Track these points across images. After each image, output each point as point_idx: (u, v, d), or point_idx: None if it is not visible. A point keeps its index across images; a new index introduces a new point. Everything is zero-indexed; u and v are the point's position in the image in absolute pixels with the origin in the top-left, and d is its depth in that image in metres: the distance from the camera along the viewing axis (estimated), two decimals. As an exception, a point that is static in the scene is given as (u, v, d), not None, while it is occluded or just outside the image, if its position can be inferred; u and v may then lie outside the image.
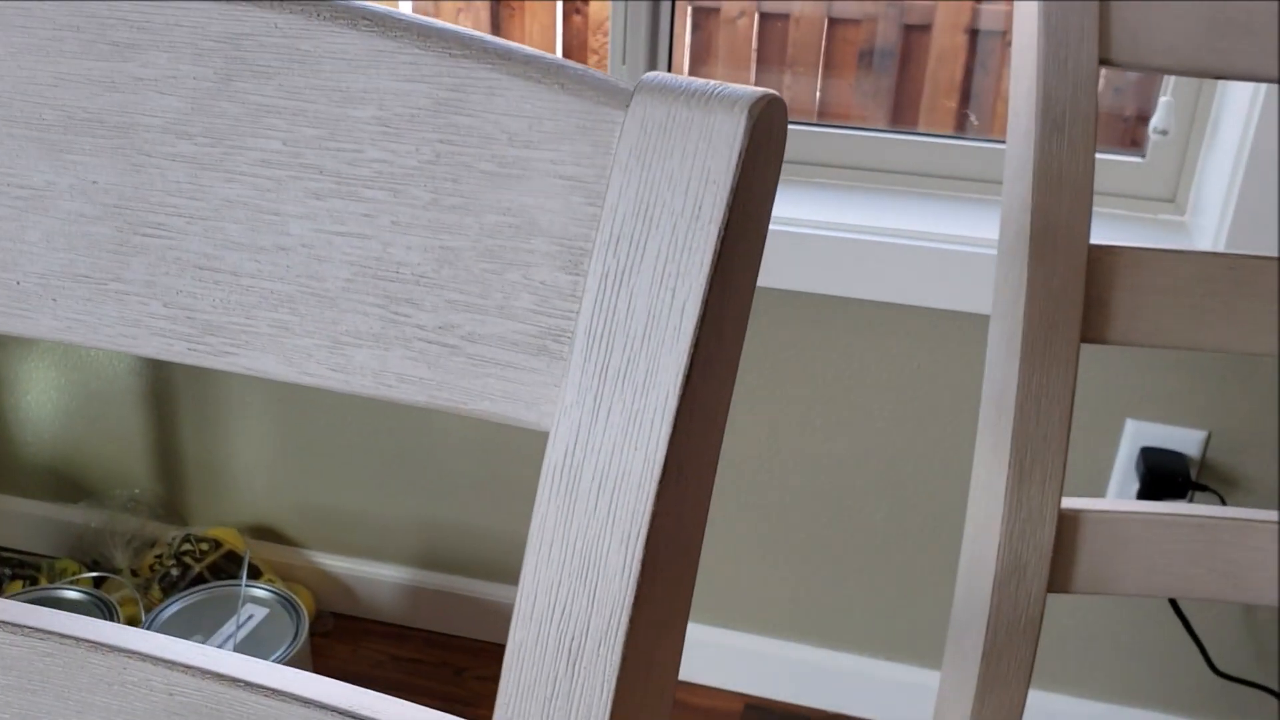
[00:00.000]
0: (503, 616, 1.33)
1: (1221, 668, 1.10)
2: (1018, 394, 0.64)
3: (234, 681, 0.35)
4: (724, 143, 0.27)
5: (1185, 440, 1.05)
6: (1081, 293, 0.64)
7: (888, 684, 1.23)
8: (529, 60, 0.29)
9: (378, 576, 1.35)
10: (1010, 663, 0.70)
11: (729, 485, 1.19)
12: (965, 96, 1.22)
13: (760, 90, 0.27)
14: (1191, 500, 1.05)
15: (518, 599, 0.30)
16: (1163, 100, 1.00)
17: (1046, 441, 0.65)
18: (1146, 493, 1.05)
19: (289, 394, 1.28)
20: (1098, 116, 0.63)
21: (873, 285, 1.04)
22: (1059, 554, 0.68)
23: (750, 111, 0.27)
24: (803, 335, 1.10)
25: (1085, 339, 0.65)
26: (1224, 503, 1.05)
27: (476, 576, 1.33)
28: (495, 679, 1.30)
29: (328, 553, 1.36)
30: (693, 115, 0.27)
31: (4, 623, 0.37)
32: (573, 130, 0.29)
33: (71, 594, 1.15)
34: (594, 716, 0.29)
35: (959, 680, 0.72)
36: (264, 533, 1.36)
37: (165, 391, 1.32)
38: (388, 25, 0.30)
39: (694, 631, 1.28)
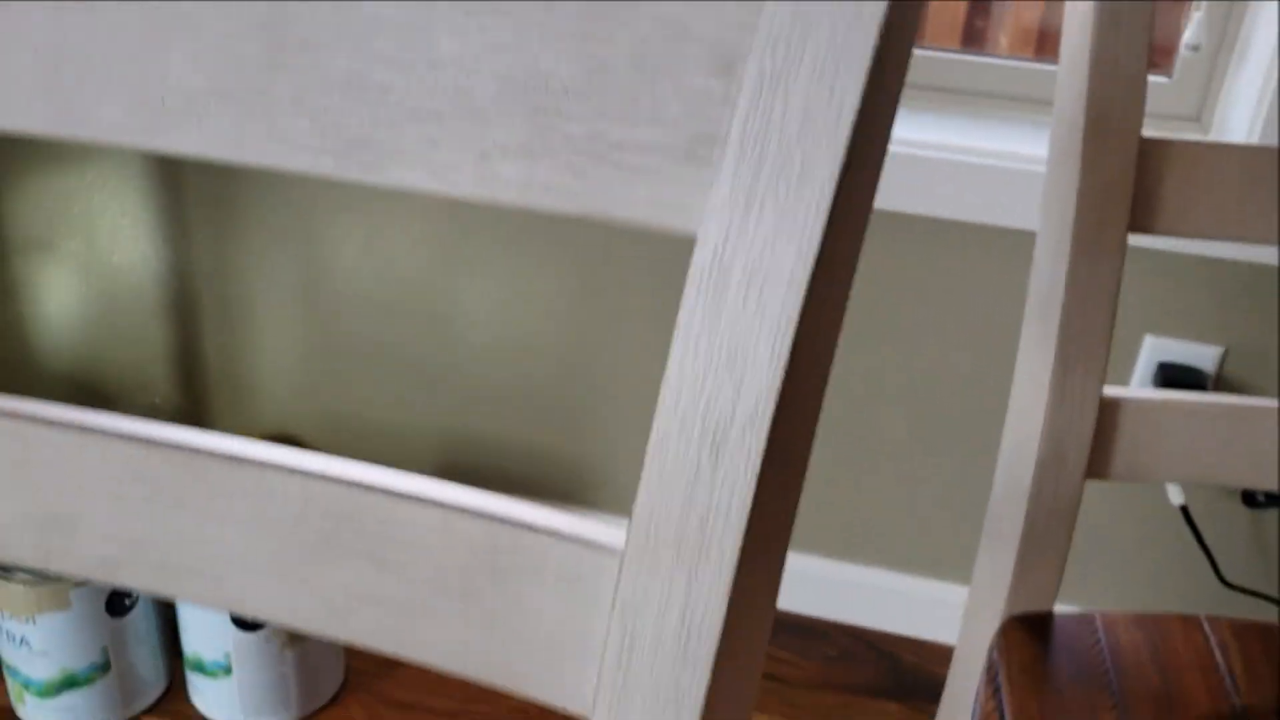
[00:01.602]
0: (522, 528, 1.35)
1: (1229, 578, 1.14)
2: (1067, 281, 0.66)
3: (371, 488, 0.37)
4: (885, -55, 0.28)
5: (1202, 356, 1.08)
6: (1132, 183, 0.66)
7: (901, 596, 1.26)
8: (685, -126, 0.30)
9: (399, 488, 1.36)
10: (1048, 546, 0.72)
11: (751, 398, 1.21)
12: (975, 8, 1.22)
13: (919, -103, 0.28)
14: (1206, 414, 1.08)
15: (661, 394, 0.32)
16: (1196, 15, 1.01)
17: (1092, 329, 0.67)
18: (1163, 407, 1.07)
19: (312, 301, 1.29)
20: (1154, 9, 0.64)
21: (911, 199, 1.06)
22: (1098, 441, 0.70)
23: (912, -85, 0.28)
24: (830, 249, 1.11)
25: (1133, 229, 0.67)
26: (1238, 417, 1.08)
27: (496, 489, 1.35)
28: (515, 587, 1.32)
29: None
30: (853, -80, 0.28)
31: (147, 440, 0.38)
32: (728, -59, 0.30)
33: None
34: (736, 499, 0.31)
35: (996, 564, 0.74)
36: (285, 442, 1.37)
37: (187, 299, 1.33)
38: None
39: (711, 543, 1.30)
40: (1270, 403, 0.71)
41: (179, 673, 1.19)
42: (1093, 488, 1.15)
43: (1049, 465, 0.70)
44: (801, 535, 1.27)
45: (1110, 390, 0.70)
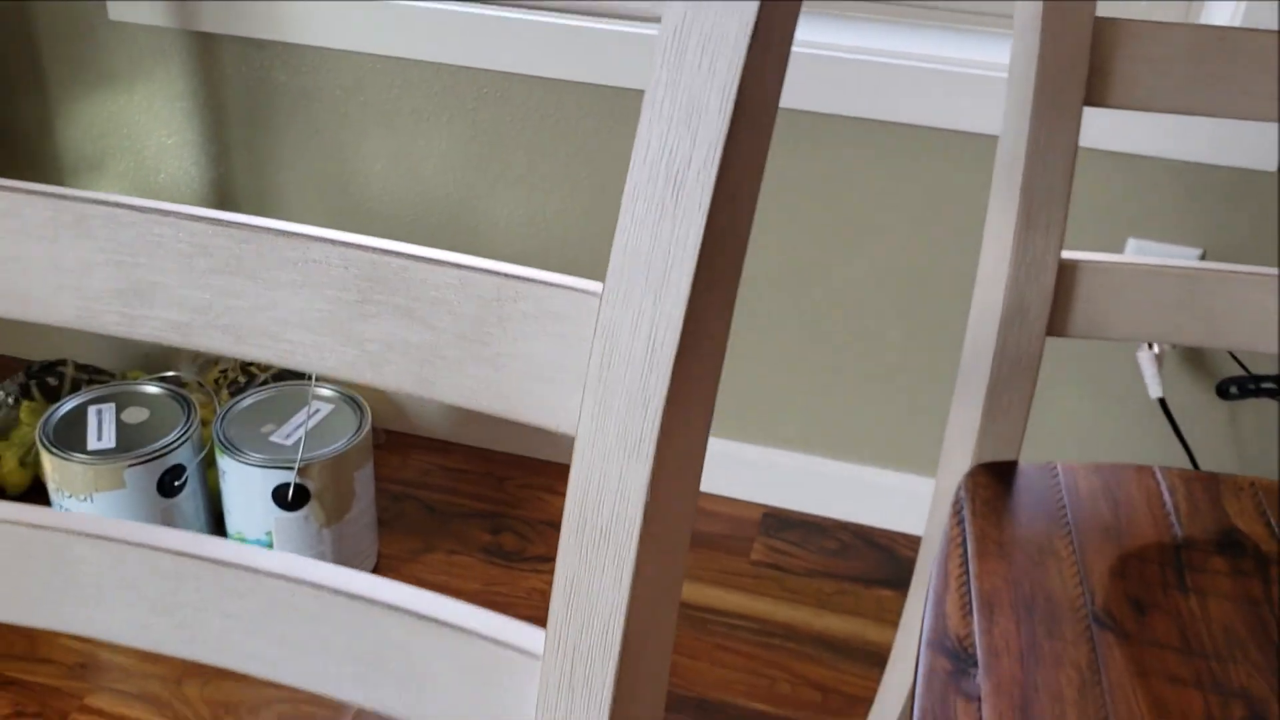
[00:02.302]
0: (537, 433, 1.43)
1: (1206, 469, 1.20)
2: (1028, 149, 0.73)
3: (400, 254, 0.44)
4: None
5: (1182, 257, 1.14)
6: (1087, 59, 0.72)
7: (898, 493, 1.34)
8: None
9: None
10: (1012, 397, 0.79)
11: (747, 302, 1.28)
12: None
13: None
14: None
15: (633, 156, 0.39)
16: (1174, -71, 1.07)
17: (1051, 192, 0.74)
18: (1143, 305, 1.14)
19: (343, 206, 1.37)
20: (1108, -104, 0.70)
21: (891, 107, 1.12)
22: (1058, 299, 0.77)
23: None
24: (824, 156, 1.18)
25: (1089, 102, 0.73)
26: (1214, 314, 1.14)
27: (518, 396, 1.43)
28: (534, 486, 1.41)
29: (379, 372, 1.46)
30: None
31: (205, 219, 0.46)
32: None
33: (151, 388, 1.25)
34: (692, 229, 0.38)
35: (965, 417, 0.81)
36: (320, 353, 1.46)
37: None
38: None
39: (716, 445, 1.38)
40: (1220, 266, 0.77)
41: (223, 555, 1.28)
42: (1074, 384, 1.22)
43: (1012, 320, 0.77)
44: (800, 436, 1.35)
45: (1069, 253, 0.77)
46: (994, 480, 0.79)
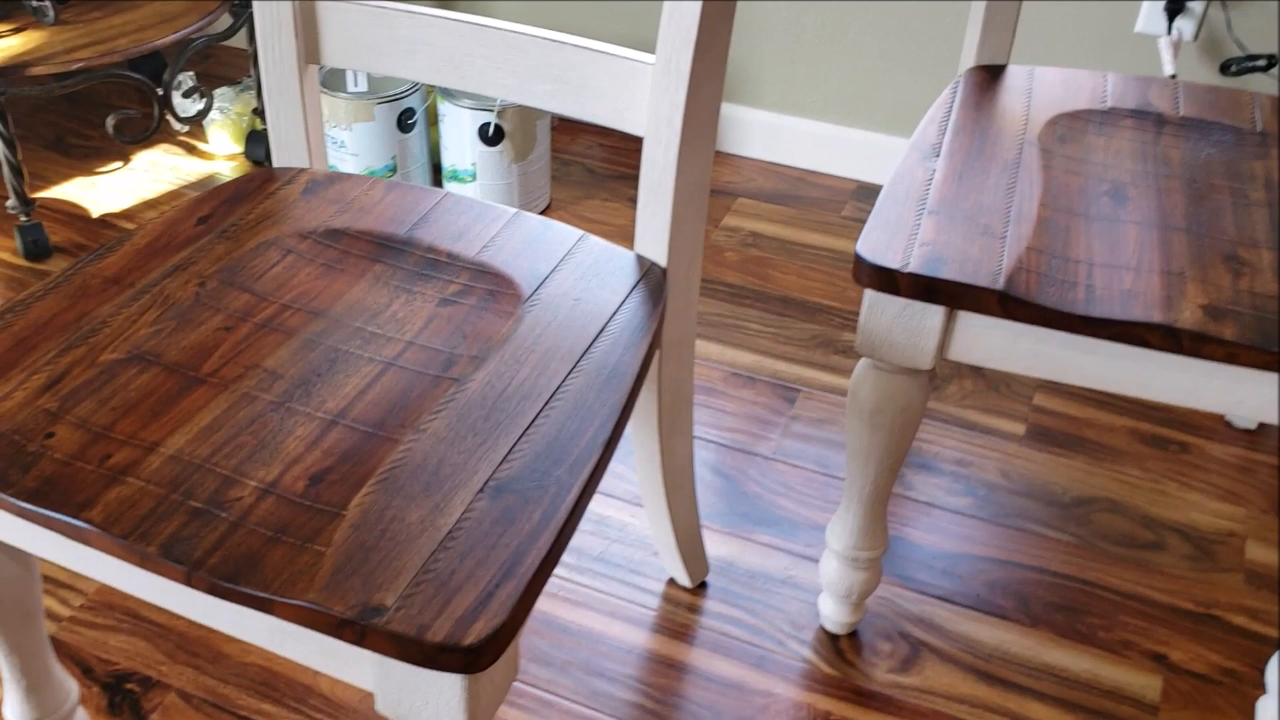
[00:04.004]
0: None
1: (1207, 141, 1.49)
2: None
3: None
4: None
5: (1201, -40, 1.40)
6: None
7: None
8: None
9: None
10: (1003, 18, 1.11)
11: (843, 11, 1.60)
12: None
13: None
14: None
15: None
16: None
17: None
18: None
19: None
20: None
21: None
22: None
23: None
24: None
25: None
26: None
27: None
28: (674, 160, 1.78)
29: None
30: None
31: None
32: None
33: (390, 59, 1.66)
34: None
35: (970, 37, 1.14)
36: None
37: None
38: None
39: (815, 127, 1.72)
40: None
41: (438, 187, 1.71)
42: (1102, 65, 1.51)
43: None
44: (888, 120, 1.67)
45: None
46: (985, 74, 1.12)
